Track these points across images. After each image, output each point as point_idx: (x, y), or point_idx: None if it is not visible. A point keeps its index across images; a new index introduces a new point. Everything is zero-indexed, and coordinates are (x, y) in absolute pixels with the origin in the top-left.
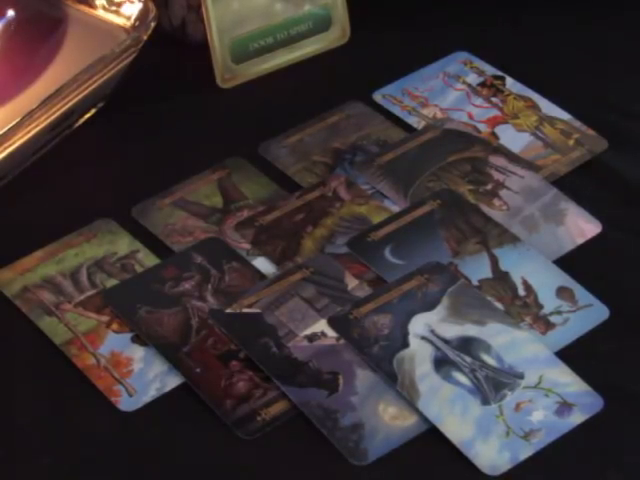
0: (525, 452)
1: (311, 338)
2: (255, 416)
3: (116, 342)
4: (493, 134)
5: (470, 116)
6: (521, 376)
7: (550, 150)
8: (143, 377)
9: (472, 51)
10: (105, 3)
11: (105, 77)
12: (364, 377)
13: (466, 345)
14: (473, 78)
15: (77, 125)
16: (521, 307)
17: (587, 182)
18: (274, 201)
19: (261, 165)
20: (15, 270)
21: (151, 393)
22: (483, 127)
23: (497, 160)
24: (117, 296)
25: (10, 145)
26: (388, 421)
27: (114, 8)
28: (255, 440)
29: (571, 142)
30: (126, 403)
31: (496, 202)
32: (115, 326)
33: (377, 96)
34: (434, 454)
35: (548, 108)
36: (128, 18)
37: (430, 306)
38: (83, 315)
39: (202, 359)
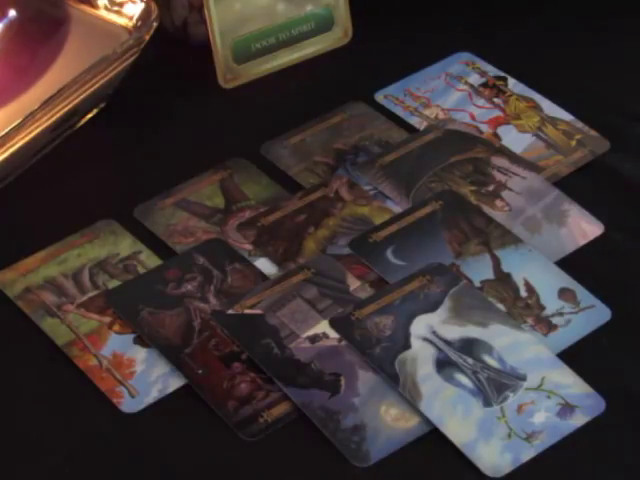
0: (527, 454)
1: (313, 339)
2: (257, 418)
3: (118, 343)
4: (495, 135)
5: (472, 117)
6: (523, 378)
7: (552, 151)
8: (145, 378)
9: (474, 52)
10: (107, 3)
11: (107, 77)
12: (366, 378)
13: (468, 346)
14: (475, 79)
15: (79, 125)
16: (523, 308)
17: (589, 183)
18: (276, 202)
19: (263, 166)
20: (17, 271)
21: (153, 394)
22: (485, 128)
23: (499, 161)
24: (119, 297)
25: (12, 146)
26: (390, 422)
27: (116, 8)
28: (257, 442)
29: (573, 143)
30: (128, 404)
31: (498, 203)
32: (117, 327)
33: (379, 96)
34: (436, 456)
35: (550, 109)
36: (130, 18)
37: (432, 307)
38: (85, 316)
39: (204, 360)
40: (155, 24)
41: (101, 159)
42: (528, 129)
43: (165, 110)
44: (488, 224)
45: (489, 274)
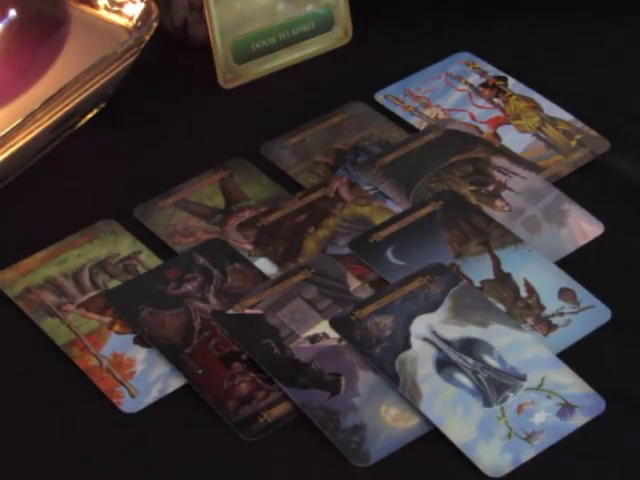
0: (527, 454)
1: (313, 339)
2: (257, 417)
3: (118, 343)
4: (495, 135)
5: (472, 117)
6: (523, 378)
7: (552, 151)
8: (145, 378)
9: (474, 52)
10: (107, 3)
11: (107, 77)
12: (366, 378)
13: (468, 346)
14: (475, 79)
15: (79, 125)
16: (523, 308)
17: (589, 183)
18: (276, 202)
19: (263, 166)
20: (17, 271)
21: (153, 394)
22: (485, 128)
23: (499, 161)
24: (119, 297)
25: (12, 146)
26: (390, 422)
27: (116, 8)
28: (257, 441)
29: (573, 143)
30: (128, 404)
31: (498, 203)
32: (117, 327)
33: (379, 96)
34: (436, 456)
35: (550, 109)
36: (130, 18)
37: (432, 307)
38: (85, 316)
39: (204, 360)
40: (155, 24)
41: (101, 159)
42: (528, 129)
43: (165, 110)
44: (488, 224)
45: (489, 274)
